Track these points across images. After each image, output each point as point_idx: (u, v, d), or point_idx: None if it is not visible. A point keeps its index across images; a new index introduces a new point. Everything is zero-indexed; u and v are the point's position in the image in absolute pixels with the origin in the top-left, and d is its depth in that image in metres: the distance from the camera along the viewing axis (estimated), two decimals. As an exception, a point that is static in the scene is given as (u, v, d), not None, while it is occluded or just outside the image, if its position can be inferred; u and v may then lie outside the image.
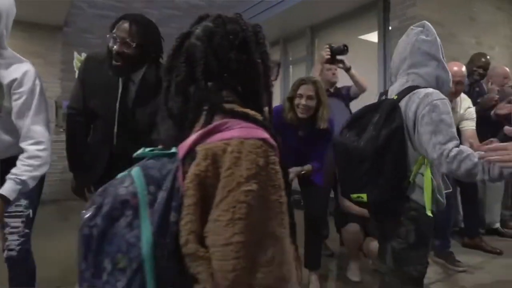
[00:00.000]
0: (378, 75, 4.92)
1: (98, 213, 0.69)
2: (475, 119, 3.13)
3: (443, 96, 1.51)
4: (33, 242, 1.86)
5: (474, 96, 3.51)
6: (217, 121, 0.75)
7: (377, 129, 1.51)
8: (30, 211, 1.84)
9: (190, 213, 0.68)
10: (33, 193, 1.86)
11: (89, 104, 1.93)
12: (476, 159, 1.35)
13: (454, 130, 1.47)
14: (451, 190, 1.66)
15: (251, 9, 6.14)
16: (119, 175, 0.75)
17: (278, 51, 6.81)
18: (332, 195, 3.09)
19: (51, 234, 3.83)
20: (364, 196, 1.56)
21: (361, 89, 3.19)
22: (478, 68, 3.72)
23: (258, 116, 0.78)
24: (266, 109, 0.86)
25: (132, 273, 0.66)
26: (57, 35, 6.56)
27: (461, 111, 3.07)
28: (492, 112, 3.30)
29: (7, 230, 1.78)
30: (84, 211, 0.72)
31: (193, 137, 0.74)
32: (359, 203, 1.67)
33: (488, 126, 3.13)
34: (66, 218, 5.01)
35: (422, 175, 1.54)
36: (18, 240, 1.78)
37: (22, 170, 1.64)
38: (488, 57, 3.80)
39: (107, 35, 1.78)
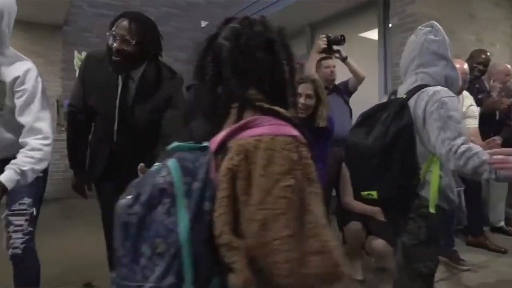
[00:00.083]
0: (379, 72, 4.91)
1: (136, 201, 0.73)
2: (477, 117, 3.13)
3: (451, 94, 1.54)
4: (36, 240, 1.87)
5: (474, 93, 3.51)
6: (247, 117, 0.79)
7: (385, 126, 1.54)
8: (34, 209, 1.84)
9: (224, 205, 0.71)
10: (37, 191, 1.88)
11: (89, 102, 1.94)
12: (484, 157, 1.37)
13: (463, 126, 1.50)
14: (463, 188, 1.67)
15: (250, 7, 6.14)
16: (154, 167, 0.78)
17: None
18: (334, 193, 3.08)
19: (54, 233, 3.85)
20: (374, 193, 1.58)
21: (359, 79, 3.18)
22: (478, 65, 3.72)
23: (287, 114, 0.82)
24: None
25: (171, 257, 0.69)
26: (57, 35, 6.58)
27: (464, 109, 3.06)
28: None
29: (11, 228, 1.79)
30: (120, 200, 0.75)
31: (224, 132, 0.78)
32: (369, 201, 1.68)
33: (491, 124, 3.14)
34: (69, 217, 5.04)
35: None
36: (22, 238, 1.79)
37: (23, 161, 1.62)
38: (488, 53, 3.80)
39: (107, 33, 1.79)
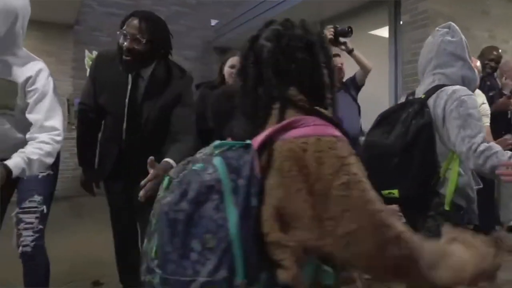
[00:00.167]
0: (389, 70, 4.87)
1: (183, 198, 0.74)
2: (489, 115, 3.09)
3: (470, 92, 1.56)
4: (46, 238, 1.88)
5: (486, 90, 3.46)
6: (289, 117, 0.80)
7: (405, 126, 1.57)
8: (44, 207, 1.85)
9: (272, 207, 0.74)
10: (47, 189, 1.90)
11: (99, 100, 1.96)
12: (504, 158, 1.39)
13: (482, 123, 1.52)
14: (481, 186, 1.67)
15: (260, 5, 6.13)
16: (197, 166, 0.79)
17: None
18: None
19: (63, 230, 3.89)
20: (395, 192, 1.59)
21: (366, 70, 3.14)
22: (490, 62, 3.67)
23: (328, 114, 0.84)
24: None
25: (222, 252, 0.71)
26: (68, 34, 6.64)
27: None
28: None
29: (22, 226, 1.80)
30: (163, 199, 0.77)
31: (267, 131, 0.79)
32: (390, 200, 1.68)
33: (502, 122, 3.09)
34: (79, 215, 5.09)
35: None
36: (32, 236, 1.80)
37: (32, 151, 1.62)
38: (499, 50, 3.74)
39: (118, 32, 1.80)
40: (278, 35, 0.87)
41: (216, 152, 0.80)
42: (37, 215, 1.82)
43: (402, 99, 1.89)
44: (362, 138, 2.37)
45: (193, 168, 0.80)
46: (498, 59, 3.69)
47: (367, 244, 0.72)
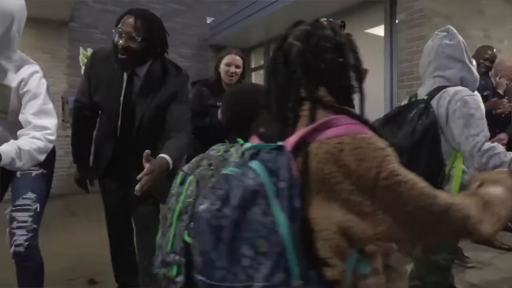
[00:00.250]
0: (385, 69, 4.88)
1: (225, 205, 0.74)
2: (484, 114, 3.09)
3: (471, 93, 1.63)
4: (40, 236, 1.83)
5: (480, 89, 3.47)
6: (319, 117, 0.81)
7: (412, 125, 1.62)
8: (38, 205, 1.80)
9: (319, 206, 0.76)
10: (42, 187, 1.87)
11: (95, 98, 1.95)
12: (506, 159, 1.45)
13: (485, 122, 1.58)
14: None
15: (256, 3, 6.12)
16: (231, 171, 0.79)
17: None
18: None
19: (58, 228, 3.87)
20: None
21: None
22: (485, 61, 3.67)
23: (358, 114, 0.85)
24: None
25: (277, 255, 0.71)
26: (63, 31, 6.58)
27: None
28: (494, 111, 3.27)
29: (15, 224, 1.74)
30: (201, 205, 0.77)
31: (300, 133, 0.79)
32: None
33: (497, 121, 3.10)
34: (73, 213, 5.07)
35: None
36: (26, 235, 1.74)
37: (23, 143, 1.57)
38: (494, 49, 3.75)
39: (113, 30, 1.79)
40: (307, 35, 0.86)
41: (247, 154, 0.80)
42: (31, 213, 1.77)
43: (405, 101, 1.93)
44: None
45: (227, 172, 0.79)
46: (492, 59, 3.70)
47: (427, 218, 0.75)
